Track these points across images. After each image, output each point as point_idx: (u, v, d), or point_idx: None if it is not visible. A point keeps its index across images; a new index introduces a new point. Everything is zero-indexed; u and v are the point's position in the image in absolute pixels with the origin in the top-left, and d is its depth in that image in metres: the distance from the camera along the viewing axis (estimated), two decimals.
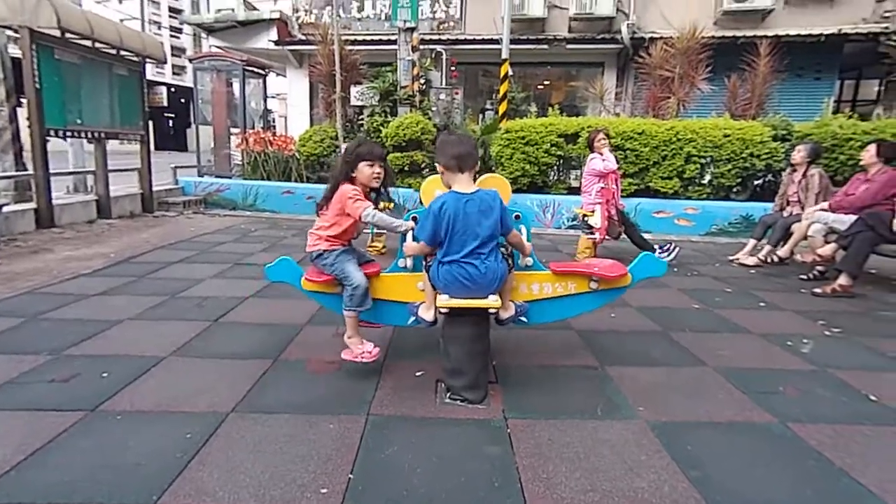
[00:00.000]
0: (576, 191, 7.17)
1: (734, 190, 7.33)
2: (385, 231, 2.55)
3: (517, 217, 2.51)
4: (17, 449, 1.81)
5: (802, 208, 5.18)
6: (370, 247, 5.26)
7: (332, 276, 2.50)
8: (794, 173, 5.38)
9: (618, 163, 5.34)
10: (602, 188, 5.05)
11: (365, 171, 2.47)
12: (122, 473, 1.70)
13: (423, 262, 2.40)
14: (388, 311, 2.61)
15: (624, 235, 5.36)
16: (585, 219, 5.19)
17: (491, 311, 2.26)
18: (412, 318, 2.50)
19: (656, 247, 5.26)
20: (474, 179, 2.34)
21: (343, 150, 2.53)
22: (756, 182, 7.38)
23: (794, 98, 10.23)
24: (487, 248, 2.21)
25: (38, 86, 5.65)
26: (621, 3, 10.89)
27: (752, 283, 4.66)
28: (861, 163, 4.83)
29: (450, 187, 2.30)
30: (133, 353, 2.67)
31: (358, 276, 2.44)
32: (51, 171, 6.01)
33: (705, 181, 7.33)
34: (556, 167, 7.81)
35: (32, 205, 5.93)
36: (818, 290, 4.28)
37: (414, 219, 2.49)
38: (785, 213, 5.40)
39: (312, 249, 2.54)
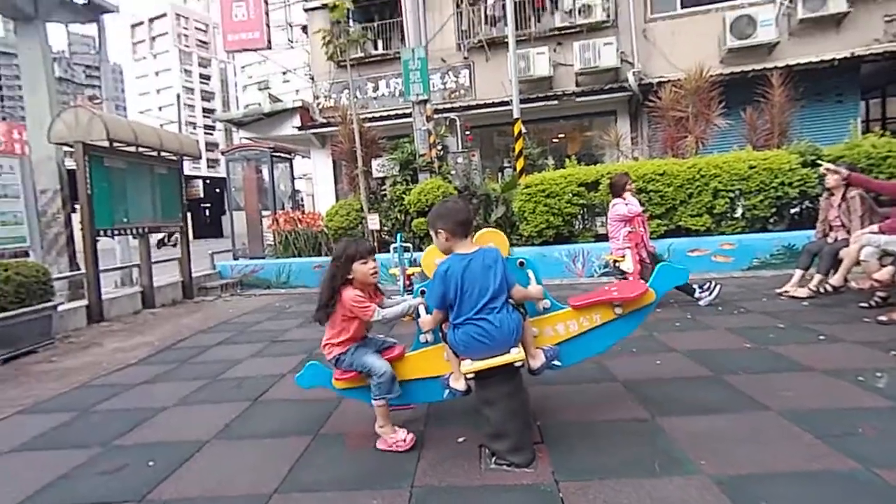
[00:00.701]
0: (603, 237, 7.10)
1: (770, 220, 7.11)
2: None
3: (521, 264, 2.49)
4: None
5: (848, 232, 4.96)
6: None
7: (355, 372, 2.51)
8: (832, 197, 5.20)
9: (642, 205, 5.30)
10: (630, 232, 5.00)
11: (360, 269, 2.47)
12: None
13: (440, 333, 2.39)
14: (421, 390, 2.58)
15: None
16: (617, 264, 5.11)
17: (518, 363, 2.21)
18: (447, 392, 2.45)
19: (695, 286, 5.09)
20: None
21: (335, 253, 2.53)
22: (793, 210, 7.14)
23: (818, 123, 10.12)
24: (499, 302, 2.21)
25: (89, 192, 6.12)
26: (624, 53, 11.25)
27: (807, 315, 4.38)
28: None
29: (447, 253, 2.33)
30: (177, 439, 2.69)
31: (380, 364, 2.43)
32: (100, 268, 6.37)
33: (738, 214, 7.16)
34: (580, 216, 7.81)
35: (84, 302, 6.25)
36: (883, 318, 3.97)
37: (422, 292, 2.50)
38: (829, 239, 5.16)
39: (331, 357, 2.56)
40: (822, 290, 4.89)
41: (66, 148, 6.70)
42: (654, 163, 7.46)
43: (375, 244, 8.79)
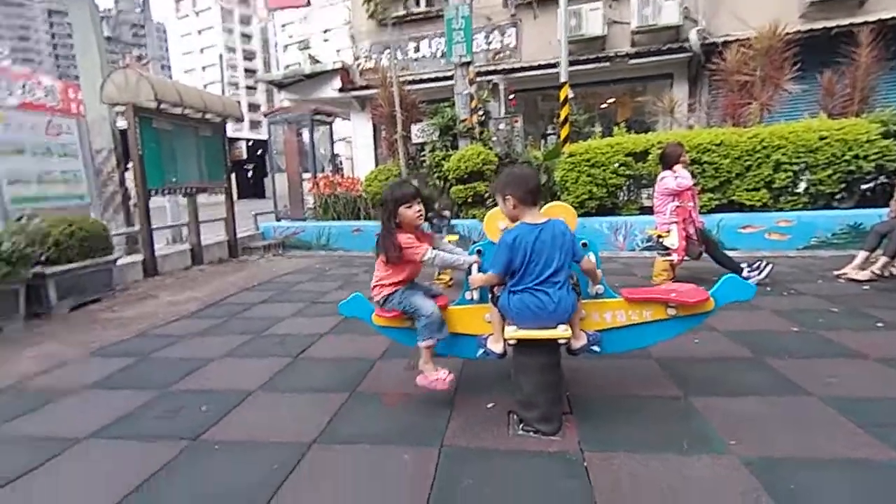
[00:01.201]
0: (648, 210, 6.86)
1: (837, 197, 6.58)
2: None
3: (584, 245, 2.46)
4: (134, 474, 2.04)
5: None
6: (437, 280, 5.33)
7: (402, 311, 2.57)
8: None
9: (694, 177, 5.05)
10: (678, 207, 4.80)
11: (407, 213, 2.52)
12: (219, 501, 1.84)
13: (490, 294, 2.41)
14: (456, 344, 2.63)
15: (705, 255, 5.02)
16: (661, 239, 4.94)
17: (561, 341, 2.22)
18: (481, 351, 2.50)
19: (744, 265, 4.88)
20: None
21: (382, 200, 2.60)
22: (864, 186, 6.53)
23: None
24: (561, 277, 2.21)
25: (140, 152, 6.41)
26: (688, 9, 10.43)
27: (865, 300, 4.12)
28: None
29: (514, 220, 2.32)
30: (226, 387, 2.90)
31: (429, 305, 2.49)
32: (153, 225, 6.74)
33: (800, 190, 6.66)
34: (625, 187, 7.53)
35: (140, 257, 6.64)
36: None
37: (478, 252, 2.52)
38: None
39: (379, 297, 2.62)
40: (886, 273, 4.60)
41: (117, 109, 6.98)
42: (710, 132, 7.03)
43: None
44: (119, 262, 5.89)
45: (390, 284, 2.58)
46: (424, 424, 2.35)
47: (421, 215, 2.55)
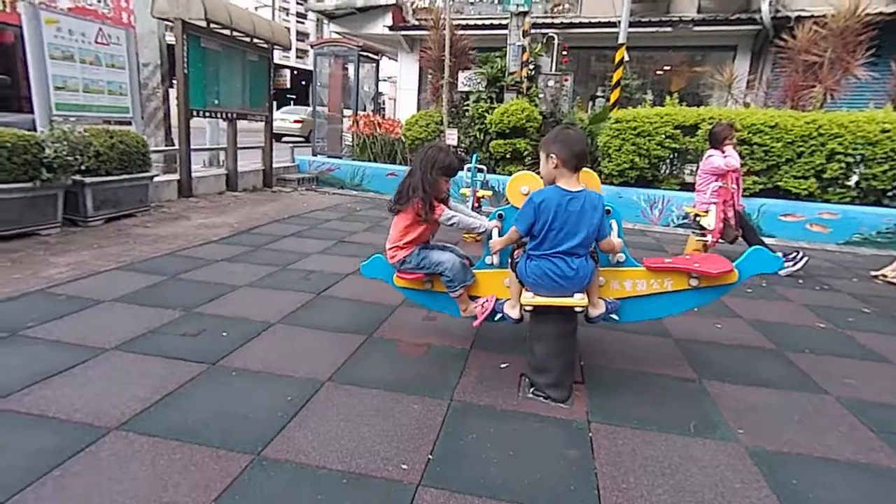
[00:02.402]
0: (689, 187, 6.64)
1: (889, 194, 6.29)
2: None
3: (608, 212, 2.38)
4: (155, 389, 2.13)
5: None
6: (466, 235, 5.32)
7: (422, 273, 2.58)
8: None
9: (742, 158, 4.84)
10: (720, 188, 4.62)
11: (443, 186, 2.52)
12: (234, 423, 1.92)
13: (510, 259, 2.39)
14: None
15: (741, 240, 4.87)
16: (697, 219, 4.81)
17: (578, 309, 2.20)
18: (498, 315, 2.51)
19: (779, 254, 4.71)
20: None
21: (423, 156, 2.50)
22: None
23: None
24: (584, 250, 2.18)
25: (186, 71, 6.39)
26: None
27: None
28: None
29: (551, 181, 2.24)
30: (248, 316, 2.98)
31: (447, 257, 2.50)
32: (192, 146, 6.81)
33: (851, 182, 6.37)
34: (668, 160, 7.27)
35: (176, 176, 6.77)
36: None
37: (500, 216, 2.48)
38: None
39: (395, 262, 2.61)
40: None
41: (166, 23, 6.92)
42: (766, 112, 6.67)
43: None
44: (155, 180, 6.02)
45: (403, 246, 2.57)
46: (437, 376, 2.40)
47: (446, 188, 2.58)
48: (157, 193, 6.30)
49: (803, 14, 8.49)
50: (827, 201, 6.43)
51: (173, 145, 7.42)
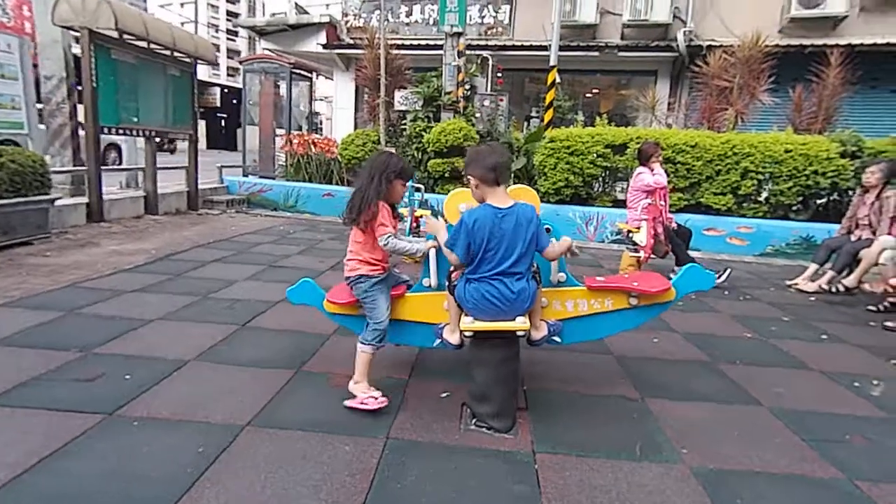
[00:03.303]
0: (621, 203, 6.88)
1: (794, 209, 6.86)
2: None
3: (548, 230, 2.32)
4: (31, 452, 1.79)
5: (873, 233, 4.74)
6: (406, 260, 5.16)
7: (358, 300, 2.39)
8: (866, 195, 4.94)
9: (667, 176, 5.06)
10: (649, 204, 4.78)
11: (399, 189, 2.36)
12: (131, 486, 1.64)
13: (447, 282, 2.27)
14: (412, 332, 2.50)
15: (671, 254, 5.06)
16: (630, 235, 4.93)
17: (520, 332, 2.11)
18: (438, 341, 2.38)
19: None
20: None
21: (372, 163, 2.34)
22: (819, 201, 6.87)
23: (867, 111, 9.52)
24: (523, 267, 2.07)
25: (94, 84, 5.88)
26: (678, 9, 10.44)
27: (813, 312, 4.28)
28: None
29: (482, 201, 2.16)
30: (158, 354, 2.66)
31: (385, 314, 2.30)
32: (103, 167, 6.25)
33: (762, 198, 6.89)
34: (601, 178, 7.53)
35: (84, 199, 6.17)
36: (890, 324, 3.88)
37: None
38: (853, 237, 4.96)
39: (351, 274, 2.36)
40: (833, 289, 4.75)
41: (73, 33, 6.38)
42: (687, 133, 7.10)
43: None
44: (58, 203, 5.44)
45: (368, 266, 2.33)
46: (372, 412, 2.21)
47: (402, 193, 2.42)
48: (62, 219, 5.70)
49: (714, 43, 9.17)
50: (743, 216, 6.89)
51: (83, 165, 6.79)
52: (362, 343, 2.29)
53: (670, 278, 2.48)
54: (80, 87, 6.15)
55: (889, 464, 2.04)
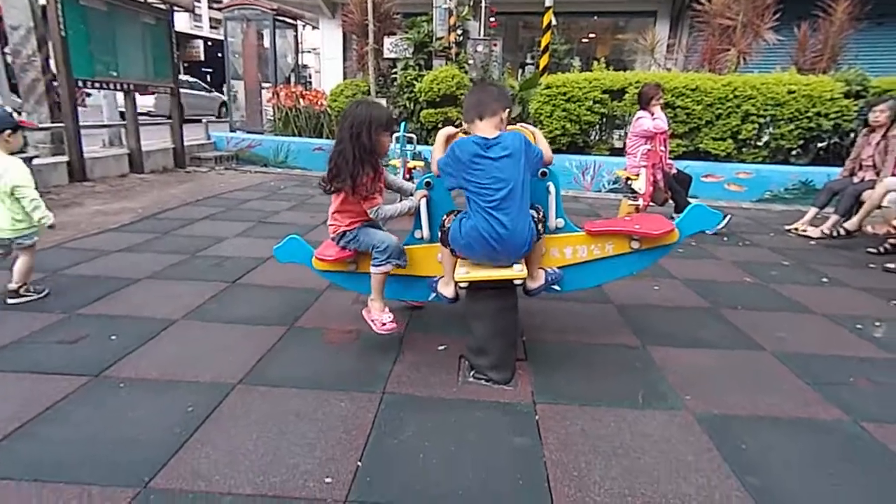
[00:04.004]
0: (618, 152, 6.71)
1: (793, 153, 6.69)
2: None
3: (543, 175, 2.20)
4: (13, 416, 1.72)
5: (877, 174, 4.62)
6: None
7: (354, 251, 2.32)
8: (872, 134, 4.77)
9: (667, 121, 4.88)
10: (648, 150, 4.62)
11: (385, 142, 2.21)
12: (117, 450, 1.58)
13: (440, 232, 2.16)
14: (406, 287, 2.42)
15: (671, 201, 4.95)
16: (629, 182, 4.79)
17: (517, 282, 2.02)
18: (432, 295, 2.29)
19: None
20: None
21: (352, 119, 2.13)
22: (820, 144, 6.69)
23: (873, 49, 9.16)
24: (516, 201, 1.92)
25: (62, 33, 5.53)
26: None
27: (813, 255, 4.23)
28: None
29: None
30: (145, 314, 2.57)
31: (387, 236, 2.25)
32: (82, 124, 5.98)
33: (762, 143, 6.71)
34: (598, 126, 7.30)
35: (65, 158, 5.93)
36: (891, 266, 3.84)
37: (427, 184, 2.23)
38: (855, 179, 4.84)
39: (335, 234, 2.32)
40: (835, 232, 4.68)
41: None
42: (687, 76, 6.82)
43: None
44: (36, 163, 5.23)
45: (349, 220, 2.26)
46: (367, 366, 2.15)
47: (389, 145, 2.28)
48: (43, 178, 5.47)
49: None
50: (742, 161, 6.74)
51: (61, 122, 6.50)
52: (375, 264, 2.25)
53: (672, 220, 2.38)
54: None
55: (893, 403, 2.02)
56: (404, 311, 2.71)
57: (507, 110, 2.05)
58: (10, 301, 2.64)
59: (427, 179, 2.24)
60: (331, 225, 2.33)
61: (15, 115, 2.84)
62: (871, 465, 1.67)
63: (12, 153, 2.68)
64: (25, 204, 2.61)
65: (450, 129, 2.23)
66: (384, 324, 2.23)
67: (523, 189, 1.95)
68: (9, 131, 2.63)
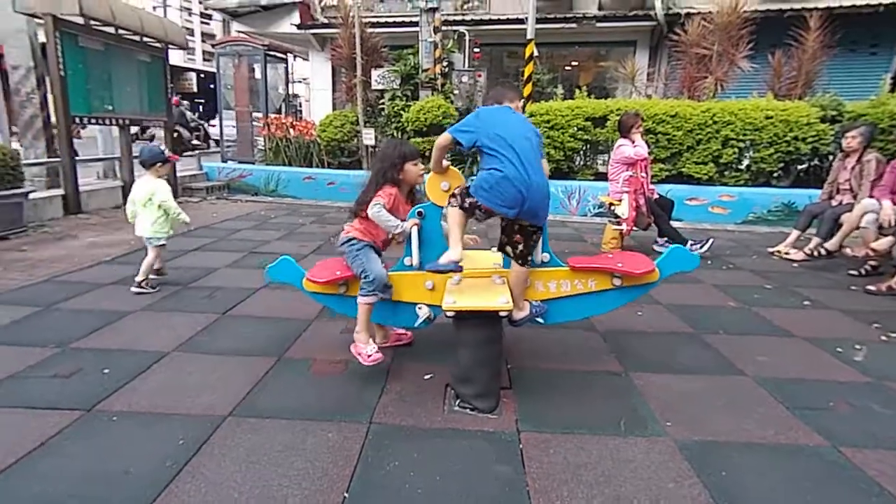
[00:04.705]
0: (603, 176, 6.85)
1: (775, 176, 6.88)
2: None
3: None
4: (8, 452, 1.75)
5: (854, 197, 4.77)
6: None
7: (346, 270, 2.41)
8: (847, 159, 4.95)
9: (648, 147, 5.03)
10: (630, 176, 4.76)
11: (412, 170, 2.42)
12: (110, 484, 1.61)
13: (449, 197, 2.19)
14: (393, 312, 2.47)
15: (654, 226, 5.05)
16: (612, 208, 4.92)
17: (502, 313, 2.09)
18: (419, 321, 2.36)
19: (689, 240, 4.95)
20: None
21: (380, 154, 2.50)
22: (800, 167, 6.90)
23: (846, 75, 9.49)
24: (536, 166, 2.04)
25: (62, 73, 5.67)
26: None
27: (796, 278, 4.31)
28: None
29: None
30: (137, 347, 2.61)
31: (379, 269, 2.35)
32: (78, 158, 6.07)
33: (743, 166, 6.90)
34: (582, 152, 7.48)
35: (60, 191, 6.00)
36: (872, 288, 3.92)
37: (419, 214, 2.33)
38: (834, 202, 4.99)
39: (344, 237, 2.48)
40: (816, 253, 4.79)
41: (37, 21, 6.13)
42: (667, 103, 7.05)
43: (369, 161, 8.47)
44: (33, 196, 5.29)
45: (361, 234, 2.44)
46: (355, 397, 2.20)
47: (423, 175, 2.46)
48: (38, 212, 5.55)
49: (692, 11, 9.04)
50: (725, 184, 6.91)
51: (58, 156, 6.59)
52: (362, 294, 2.34)
53: (654, 249, 2.48)
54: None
55: (873, 429, 2.06)
56: (389, 343, 2.75)
57: (521, 100, 2.27)
58: (133, 290, 3.45)
59: (419, 209, 2.33)
60: (345, 231, 2.48)
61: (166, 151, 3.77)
62: (849, 490, 1.70)
63: (160, 177, 3.67)
64: (171, 213, 3.62)
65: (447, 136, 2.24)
66: (369, 356, 2.30)
67: (539, 165, 2.07)
68: (160, 164, 3.64)
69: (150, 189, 3.58)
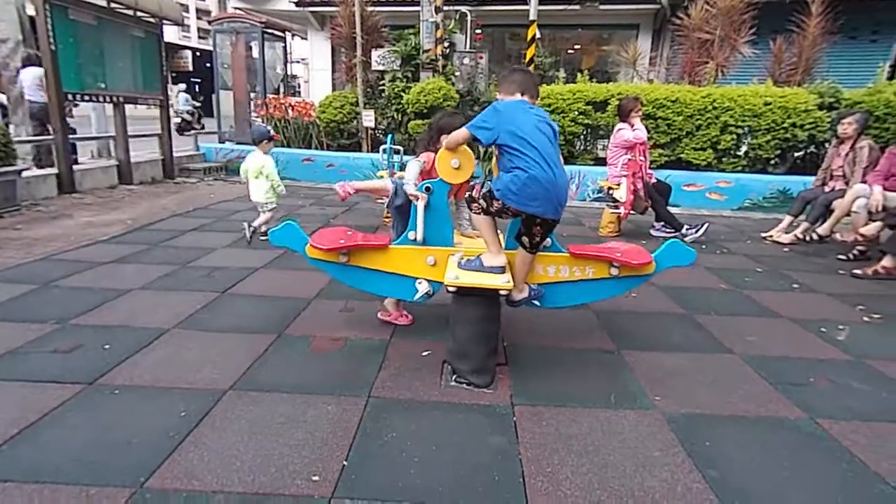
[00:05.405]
0: (602, 161, 6.87)
1: (772, 162, 6.92)
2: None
3: None
4: (11, 423, 1.79)
5: (846, 183, 4.82)
6: (386, 217, 5.13)
7: (350, 239, 2.46)
8: (841, 146, 4.99)
9: (648, 132, 5.05)
10: (629, 160, 4.78)
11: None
12: (113, 453, 1.66)
13: (469, 203, 2.28)
14: (393, 284, 2.50)
15: (651, 210, 5.10)
16: (610, 192, 4.95)
17: (502, 292, 2.13)
18: (418, 295, 2.39)
19: (685, 225, 4.99)
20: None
21: (431, 122, 2.72)
22: (796, 154, 6.94)
23: (846, 62, 9.47)
24: (555, 159, 2.07)
25: (53, 47, 5.59)
26: None
27: (786, 262, 4.39)
28: None
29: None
30: (137, 324, 2.64)
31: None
32: (73, 136, 6.03)
33: (741, 153, 6.93)
34: (582, 136, 7.48)
35: (54, 170, 5.97)
36: (858, 272, 4.01)
37: (427, 189, 2.35)
38: (827, 189, 5.04)
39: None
40: (807, 237, 4.87)
41: None
42: (668, 88, 7.05)
43: (369, 143, 8.42)
44: (26, 175, 5.27)
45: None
46: (353, 372, 2.25)
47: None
48: (32, 191, 5.53)
49: None
50: (722, 171, 6.95)
51: (49, 134, 6.54)
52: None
53: (651, 234, 2.52)
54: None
55: (849, 402, 2.15)
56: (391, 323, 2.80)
57: (538, 97, 2.27)
58: (260, 239, 4.33)
59: (428, 185, 2.35)
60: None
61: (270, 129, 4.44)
62: (824, 458, 1.79)
63: (265, 152, 4.34)
64: (274, 184, 4.34)
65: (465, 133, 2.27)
66: (406, 315, 2.73)
67: (559, 159, 2.10)
68: (265, 141, 4.33)
69: (260, 162, 4.26)
